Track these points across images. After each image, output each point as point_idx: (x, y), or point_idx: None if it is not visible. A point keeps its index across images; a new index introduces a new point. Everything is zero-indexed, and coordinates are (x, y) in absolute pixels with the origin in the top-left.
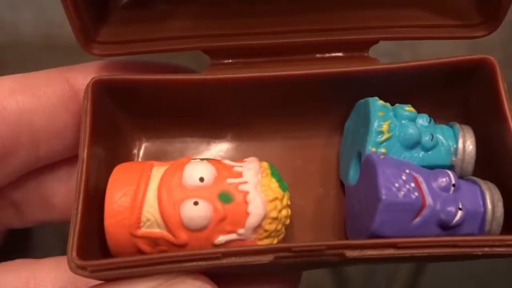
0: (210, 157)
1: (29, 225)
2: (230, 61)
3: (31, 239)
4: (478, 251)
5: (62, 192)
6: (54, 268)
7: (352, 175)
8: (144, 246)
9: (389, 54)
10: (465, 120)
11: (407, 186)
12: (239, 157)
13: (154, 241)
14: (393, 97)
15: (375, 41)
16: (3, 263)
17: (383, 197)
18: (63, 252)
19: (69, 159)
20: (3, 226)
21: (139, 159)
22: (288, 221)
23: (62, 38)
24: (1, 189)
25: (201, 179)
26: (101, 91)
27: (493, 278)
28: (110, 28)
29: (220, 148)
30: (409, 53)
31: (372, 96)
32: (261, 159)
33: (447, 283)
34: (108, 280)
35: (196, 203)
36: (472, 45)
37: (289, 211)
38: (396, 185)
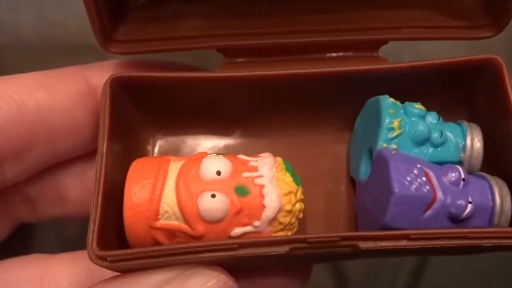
0: (223, 153)
1: (41, 220)
2: (243, 59)
3: (31, 239)
4: (487, 243)
5: (76, 188)
6: (70, 263)
7: (363, 171)
8: (161, 237)
9: (389, 55)
10: (472, 118)
11: (419, 180)
12: (250, 154)
13: (171, 233)
14: (401, 96)
15: (385, 42)
16: (18, 258)
17: (396, 190)
18: (62, 252)
19: (84, 155)
20: (16, 221)
21: (154, 155)
22: (301, 215)
23: (62, 38)
24: (17, 185)
25: (218, 173)
26: (119, 88)
27: (496, 278)
28: (127, 27)
29: (231, 145)
30: (409, 55)
31: (381, 94)
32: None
33: (449, 282)
34: (126, 272)
35: (213, 196)
36: (472, 46)
37: (303, 205)
38: (408, 178)
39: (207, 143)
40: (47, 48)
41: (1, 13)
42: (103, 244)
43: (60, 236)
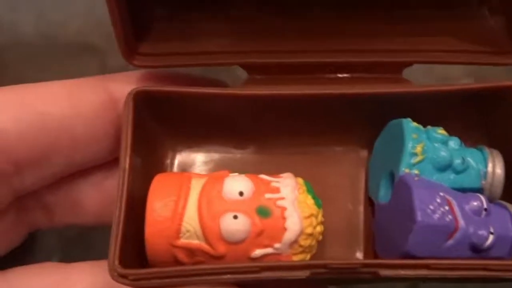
0: (240, 170)
1: (57, 227)
2: (267, 76)
3: (31, 239)
4: (509, 275)
5: (94, 196)
6: (89, 273)
7: (383, 194)
8: (181, 256)
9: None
10: (493, 143)
11: (442, 209)
12: (268, 171)
13: (192, 251)
14: (421, 118)
15: (409, 64)
16: (33, 265)
17: (419, 218)
18: (63, 254)
19: (102, 165)
20: (32, 227)
21: (172, 169)
22: (321, 237)
23: (62, 38)
24: (35, 192)
25: (241, 193)
26: (141, 102)
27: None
28: (151, 41)
29: (249, 161)
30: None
31: (401, 116)
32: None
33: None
34: None
35: (235, 217)
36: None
37: (322, 227)
38: (431, 207)
39: (225, 158)
40: (47, 48)
41: (1, 13)
42: (124, 260)
43: (60, 236)
